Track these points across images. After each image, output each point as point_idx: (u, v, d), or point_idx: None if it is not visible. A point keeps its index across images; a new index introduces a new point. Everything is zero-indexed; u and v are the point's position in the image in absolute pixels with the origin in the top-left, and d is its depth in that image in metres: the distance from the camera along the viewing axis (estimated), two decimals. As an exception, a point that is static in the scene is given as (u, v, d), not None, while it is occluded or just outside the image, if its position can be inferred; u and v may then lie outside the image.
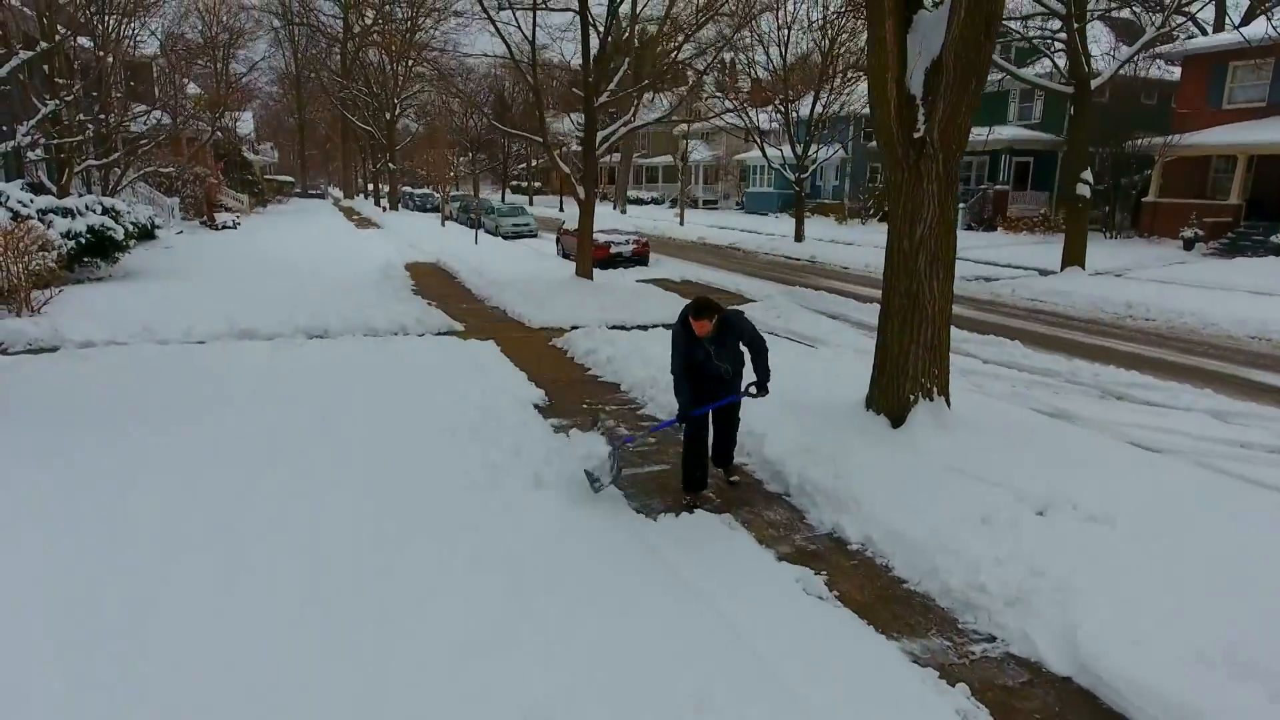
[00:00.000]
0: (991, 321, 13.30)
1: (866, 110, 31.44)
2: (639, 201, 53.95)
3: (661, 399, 7.63)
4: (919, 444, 6.02)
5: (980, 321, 13.10)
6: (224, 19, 34.68)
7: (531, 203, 48.12)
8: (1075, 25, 15.83)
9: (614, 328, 11.52)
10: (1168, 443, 6.63)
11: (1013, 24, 19.27)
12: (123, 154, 19.65)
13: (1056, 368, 9.82)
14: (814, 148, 26.29)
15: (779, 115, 25.78)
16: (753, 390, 5.37)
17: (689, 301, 5.18)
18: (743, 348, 5.33)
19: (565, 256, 22.73)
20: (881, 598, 4.25)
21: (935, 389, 6.36)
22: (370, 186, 56.23)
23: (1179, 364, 10.34)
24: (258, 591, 3.93)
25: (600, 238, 20.36)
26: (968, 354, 10.86)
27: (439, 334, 10.87)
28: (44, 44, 14.71)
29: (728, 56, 17.83)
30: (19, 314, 10.56)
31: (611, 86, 14.52)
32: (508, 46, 13.93)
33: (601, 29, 14.05)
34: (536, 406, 7.45)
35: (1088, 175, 17.19)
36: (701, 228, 34.02)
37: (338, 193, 73.69)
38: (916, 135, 5.98)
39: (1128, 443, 6.48)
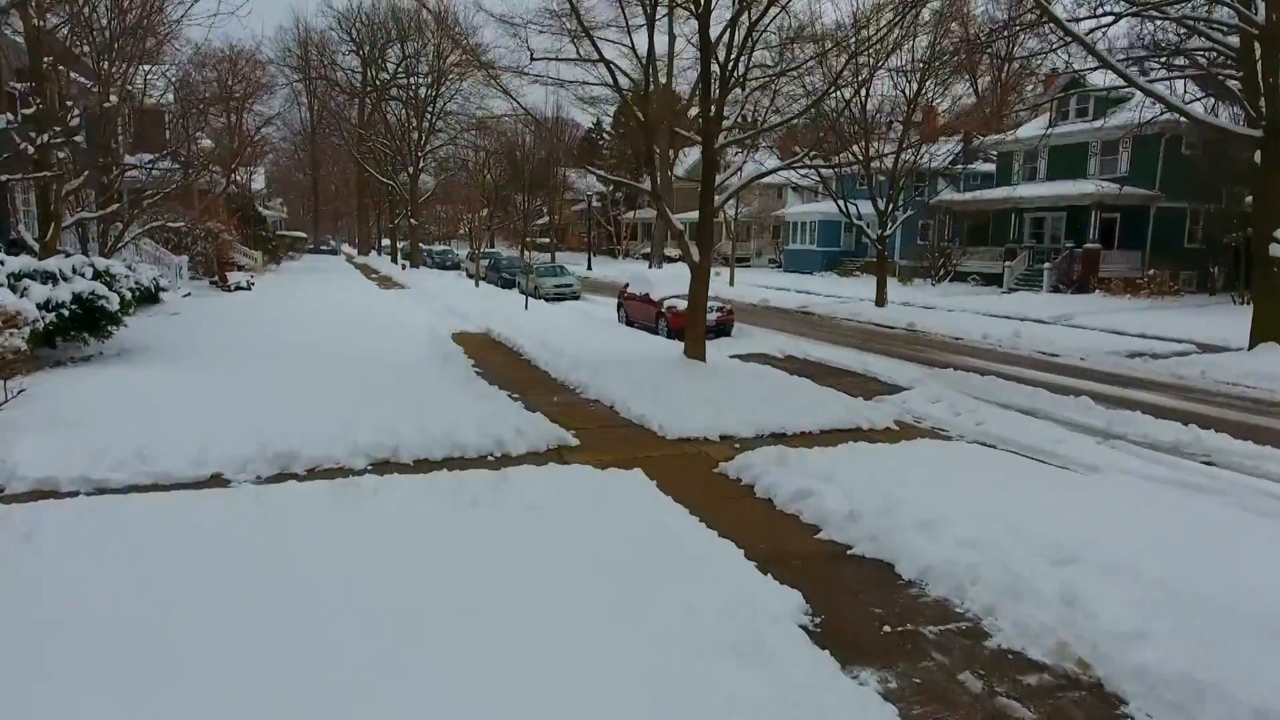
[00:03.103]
0: (1214, 417, 10.19)
1: (925, 162, 29.11)
2: (669, 259, 51.42)
3: (1008, 611, 4.50)
4: None
5: (1207, 418, 9.98)
6: (241, 67, 32.49)
7: (554, 259, 45.48)
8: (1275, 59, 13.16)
9: (773, 436, 8.50)
10: None
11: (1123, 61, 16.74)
12: (126, 206, 16.80)
13: None
14: (899, 203, 23.69)
15: (859, 168, 23.16)
16: None
17: None
18: None
19: (629, 324, 19.88)
20: None
21: None
22: (386, 242, 53.89)
23: None
24: None
25: (678, 304, 17.55)
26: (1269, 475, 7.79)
27: (550, 452, 7.75)
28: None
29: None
30: (-41, 425, 7.46)
31: (728, 125, 11.73)
32: (612, 76, 11.17)
33: (722, 61, 11.30)
34: (807, 631, 4.29)
35: (1282, 234, 14.35)
36: (753, 288, 31.32)
37: (349, 249, 71.56)
38: None
39: None
